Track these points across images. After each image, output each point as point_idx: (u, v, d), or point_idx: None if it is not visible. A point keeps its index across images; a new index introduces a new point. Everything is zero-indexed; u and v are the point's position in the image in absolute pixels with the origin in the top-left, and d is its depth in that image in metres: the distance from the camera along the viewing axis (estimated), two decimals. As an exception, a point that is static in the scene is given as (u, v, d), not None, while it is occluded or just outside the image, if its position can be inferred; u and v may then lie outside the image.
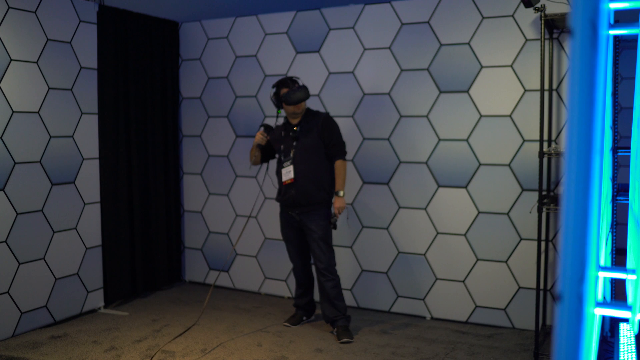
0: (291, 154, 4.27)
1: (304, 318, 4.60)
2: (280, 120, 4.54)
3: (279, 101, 4.29)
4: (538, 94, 4.11)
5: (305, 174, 4.24)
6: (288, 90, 4.22)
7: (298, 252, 4.44)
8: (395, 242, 4.79)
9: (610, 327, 4.05)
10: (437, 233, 4.65)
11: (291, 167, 4.25)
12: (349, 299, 4.94)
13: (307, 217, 4.27)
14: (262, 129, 4.40)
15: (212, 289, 4.77)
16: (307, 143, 4.27)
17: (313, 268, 4.56)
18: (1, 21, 4.08)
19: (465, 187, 4.54)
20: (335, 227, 4.29)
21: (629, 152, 2.85)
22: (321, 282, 4.28)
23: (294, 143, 4.29)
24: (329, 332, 4.37)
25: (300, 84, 4.29)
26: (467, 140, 4.52)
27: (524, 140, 4.34)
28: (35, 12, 4.30)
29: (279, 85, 4.32)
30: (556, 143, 4.25)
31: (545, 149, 4.02)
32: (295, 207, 4.28)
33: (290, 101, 4.18)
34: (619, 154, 4.21)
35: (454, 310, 4.62)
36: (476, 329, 4.45)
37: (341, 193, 4.27)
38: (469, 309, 4.57)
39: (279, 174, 4.35)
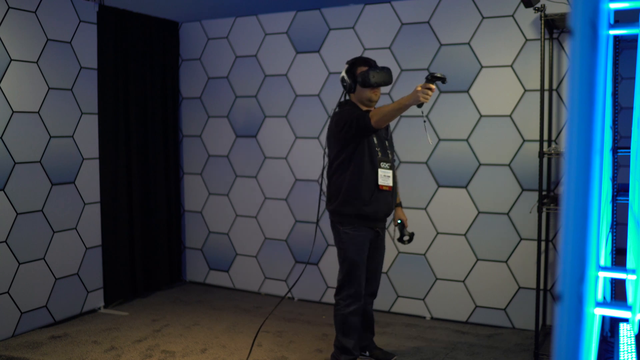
0: (389, 155, 3.54)
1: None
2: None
3: (353, 82, 3.45)
4: (538, 94, 4.11)
5: (396, 181, 3.62)
6: (368, 69, 3.38)
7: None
8: (395, 242, 4.78)
9: (610, 327, 4.05)
10: (437, 233, 4.65)
11: (391, 172, 3.50)
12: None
13: (383, 232, 3.67)
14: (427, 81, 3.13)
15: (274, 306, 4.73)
16: (392, 143, 3.66)
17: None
18: (1, 21, 4.08)
19: (465, 187, 4.54)
20: (409, 242, 3.75)
21: (629, 152, 2.85)
22: (367, 306, 3.75)
23: (386, 142, 3.57)
24: (363, 354, 3.87)
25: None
26: (467, 140, 4.52)
27: (524, 140, 4.34)
28: (35, 12, 4.30)
29: (355, 62, 3.49)
30: (556, 143, 4.25)
31: (545, 149, 4.02)
32: (382, 220, 3.60)
33: (372, 82, 3.33)
34: (619, 154, 4.20)
35: (454, 310, 4.62)
36: (476, 329, 4.45)
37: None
38: (469, 309, 4.57)
39: (365, 175, 3.43)
